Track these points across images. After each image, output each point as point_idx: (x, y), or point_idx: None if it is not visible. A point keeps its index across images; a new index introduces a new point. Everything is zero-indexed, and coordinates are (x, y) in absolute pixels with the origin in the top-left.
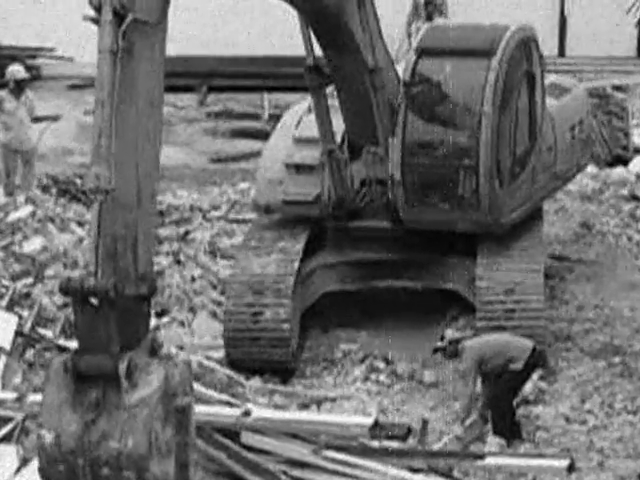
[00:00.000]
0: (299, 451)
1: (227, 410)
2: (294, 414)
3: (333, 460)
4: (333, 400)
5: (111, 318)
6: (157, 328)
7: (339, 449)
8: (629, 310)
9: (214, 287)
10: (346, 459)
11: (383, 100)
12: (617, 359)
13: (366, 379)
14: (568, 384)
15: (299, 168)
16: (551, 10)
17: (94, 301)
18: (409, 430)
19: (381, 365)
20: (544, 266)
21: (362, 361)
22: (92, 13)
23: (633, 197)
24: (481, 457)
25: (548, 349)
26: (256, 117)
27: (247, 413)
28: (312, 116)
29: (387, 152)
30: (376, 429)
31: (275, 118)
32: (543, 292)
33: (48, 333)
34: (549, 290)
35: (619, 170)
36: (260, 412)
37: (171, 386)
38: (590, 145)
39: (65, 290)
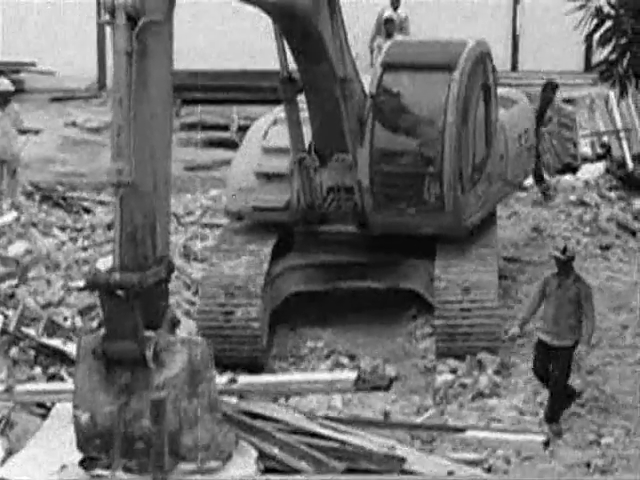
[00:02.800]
0: (291, 415)
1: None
2: (279, 377)
3: (323, 425)
4: (300, 394)
5: (136, 308)
6: None
7: (329, 419)
8: None
9: (188, 288)
10: (336, 425)
11: (352, 109)
12: None
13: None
14: (521, 378)
15: (269, 176)
16: (504, 26)
17: (120, 293)
18: (391, 381)
19: (345, 361)
20: (498, 267)
21: (327, 357)
22: (106, 17)
23: (581, 202)
24: (462, 430)
25: (502, 345)
26: (226, 128)
27: (233, 380)
28: (278, 127)
29: (355, 160)
30: (359, 382)
31: (244, 129)
32: (497, 292)
33: (31, 332)
34: (503, 290)
35: (568, 177)
36: (246, 378)
37: (195, 364)
38: (534, 153)
39: (92, 284)
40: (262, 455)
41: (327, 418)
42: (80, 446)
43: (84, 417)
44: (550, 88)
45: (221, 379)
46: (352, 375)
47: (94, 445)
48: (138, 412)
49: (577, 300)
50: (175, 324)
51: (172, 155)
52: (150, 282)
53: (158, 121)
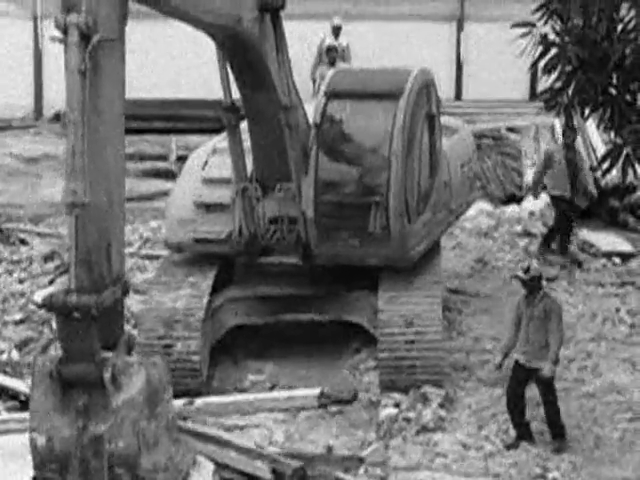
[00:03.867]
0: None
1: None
2: (239, 397)
3: None
4: (242, 428)
5: (93, 330)
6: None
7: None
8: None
9: (127, 321)
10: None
11: (296, 138)
12: None
13: (273, 408)
14: (465, 412)
15: (209, 207)
16: (447, 54)
17: (76, 315)
18: (355, 394)
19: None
20: (442, 299)
21: (270, 390)
22: (57, 34)
23: (527, 233)
24: None
25: (446, 378)
26: (165, 158)
27: (190, 402)
28: (217, 157)
29: (299, 190)
30: (322, 397)
31: (183, 159)
32: (441, 324)
33: None
34: (447, 322)
35: (513, 208)
36: (203, 400)
37: (153, 385)
38: (475, 182)
39: (48, 306)
40: (219, 465)
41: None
42: (37, 469)
43: (41, 440)
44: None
45: (178, 401)
46: (315, 391)
47: (51, 469)
48: (96, 437)
49: (545, 317)
50: (132, 345)
51: None
52: (107, 303)
53: (112, 141)
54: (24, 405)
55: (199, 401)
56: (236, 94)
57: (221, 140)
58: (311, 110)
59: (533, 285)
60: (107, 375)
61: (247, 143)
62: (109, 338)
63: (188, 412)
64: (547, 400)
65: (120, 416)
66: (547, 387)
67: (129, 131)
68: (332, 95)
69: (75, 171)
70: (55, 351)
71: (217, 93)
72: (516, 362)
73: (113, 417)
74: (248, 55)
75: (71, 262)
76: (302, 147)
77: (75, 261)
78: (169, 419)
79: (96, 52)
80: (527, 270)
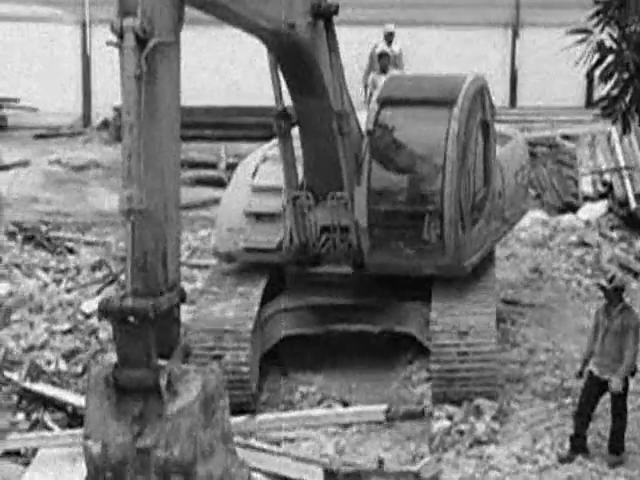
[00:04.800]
0: None
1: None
2: (303, 412)
3: None
4: (291, 441)
5: (150, 334)
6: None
7: None
8: (579, 353)
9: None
10: None
11: (349, 146)
12: (568, 400)
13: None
14: (520, 425)
15: (259, 216)
16: (502, 62)
17: (132, 320)
18: (423, 409)
19: (338, 407)
20: (496, 310)
21: (320, 403)
22: (113, 39)
23: (582, 243)
24: None
25: (500, 391)
26: (215, 166)
27: (253, 417)
28: (267, 165)
29: (352, 198)
30: (390, 412)
31: (232, 167)
32: (495, 335)
33: (14, 376)
34: (501, 333)
35: (569, 217)
36: (264, 415)
37: (209, 392)
38: (529, 191)
39: (104, 311)
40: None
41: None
42: (91, 478)
43: (96, 448)
44: None
45: (240, 417)
46: (382, 406)
47: (105, 477)
48: (151, 443)
49: (622, 331)
50: (188, 353)
51: None
52: (164, 308)
53: (168, 145)
54: (71, 417)
55: (261, 416)
56: (287, 101)
57: (271, 148)
58: (363, 117)
59: (614, 295)
60: (163, 382)
61: (298, 151)
62: (165, 346)
63: (251, 427)
64: (615, 413)
65: (176, 423)
66: (617, 400)
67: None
68: (385, 102)
69: (131, 176)
70: (108, 359)
71: (267, 100)
72: (590, 373)
73: (169, 424)
74: (300, 60)
75: (127, 267)
76: (354, 155)
77: (131, 266)
78: (225, 429)
79: (152, 56)
80: (611, 279)
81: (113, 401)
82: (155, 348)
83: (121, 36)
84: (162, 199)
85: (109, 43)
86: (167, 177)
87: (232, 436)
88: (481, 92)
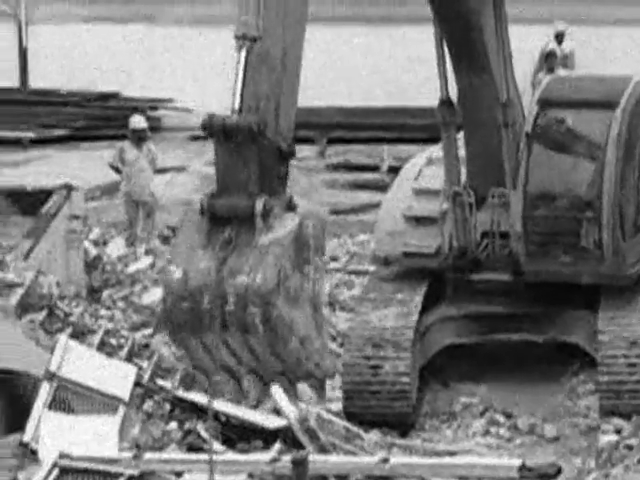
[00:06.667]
0: None
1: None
2: (435, 459)
3: None
4: (452, 454)
5: (252, 157)
6: None
7: None
8: None
9: (333, 339)
10: None
11: (514, 137)
12: None
13: (486, 433)
14: None
15: (419, 220)
16: None
17: (236, 139)
18: (559, 469)
19: (501, 419)
20: None
21: (482, 414)
22: None
23: None
24: None
25: None
26: (375, 169)
27: (385, 460)
28: (432, 168)
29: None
30: (524, 469)
31: (395, 170)
32: None
33: (167, 384)
34: None
35: None
36: (397, 459)
37: (304, 234)
38: None
39: (207, 127)
40: None
41: None
42: (167, 312)
43: (177, 273)
44: None
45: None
46: (516, 462)
47: (181, 310)
48: (236, 269)
49: None
50: (292, 207)
51: (312, 200)
52: (268, 134)
53: (292, 2)
54: (224, 426)
55: (393, 460)
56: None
57: (437, 150)
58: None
59: None
60: (259, 206)
61: (461, 152)
62: (270, 187)
63: (381, 470)
64: None
65: (264, 251)
66: None
67: (337, 140)
68: (545, 103)
69: (249, 5)
70: None
71: (428, 101)
72: None
73: (256, 251)
74: (466, 27)
75: (235, 91)
76: (518, 148)
77: (241, 90)
78: (316, 292)
79: None
80: None
81: (204, 229)
82: (256, 174)
83: None
84: (280, 45)
85: None
86: (289, 18)
87: (322, 307)
88: None
